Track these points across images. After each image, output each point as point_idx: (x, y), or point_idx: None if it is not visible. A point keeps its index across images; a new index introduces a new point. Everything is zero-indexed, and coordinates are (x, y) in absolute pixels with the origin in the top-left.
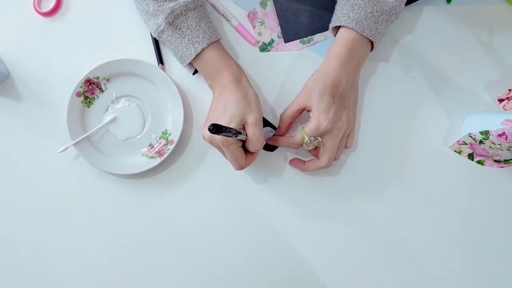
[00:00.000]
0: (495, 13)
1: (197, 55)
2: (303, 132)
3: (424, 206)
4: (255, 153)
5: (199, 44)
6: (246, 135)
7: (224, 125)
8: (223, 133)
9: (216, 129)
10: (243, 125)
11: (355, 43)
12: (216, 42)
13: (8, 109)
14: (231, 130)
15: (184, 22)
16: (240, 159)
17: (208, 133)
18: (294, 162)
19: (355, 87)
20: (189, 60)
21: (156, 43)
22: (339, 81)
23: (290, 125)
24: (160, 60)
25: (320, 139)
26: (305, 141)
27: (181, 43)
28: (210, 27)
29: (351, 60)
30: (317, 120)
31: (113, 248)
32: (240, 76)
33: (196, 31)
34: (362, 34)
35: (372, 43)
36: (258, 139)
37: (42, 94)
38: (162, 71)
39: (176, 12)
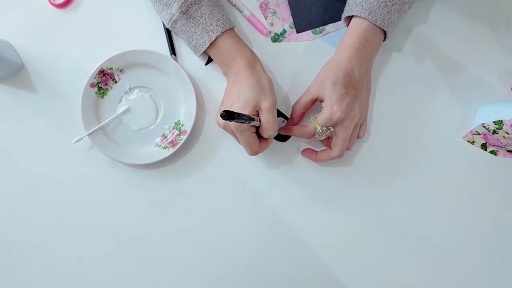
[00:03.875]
0: (509, 2)
1: (211, 43)
2: (316, 122)
3: (436, 196)
4: (269, 139)
5: (213, 32)
6: (260, 121)
7: (237, 111)
8: (235, 120)
9: (228, 115)
10: (257, 111)
11: (368, 32)
12: (230, 30)
13: (23, 100)
14: (243, 116)
15: (197, 11)
16: (253, 145)
17: (221, 120)
18: (306, 152)
19: (368, 77)
20: (203, 49)
21: (168, 33)
22: (351, 71)
23: (302, 115)
24: (173, 51)
25: (332, 129)
26: (317, 131)
27: (195, 32)
28: (223, 15)
29: (364, 50)
30: (330, 110)
31: (126, 237)
32: (254, 62)
33: (210, 19)
34: (375, 24)
35: (385, 33)
36: (271, 125)
37: (56, 85)
38: (174, 61)
39: (190, 1)
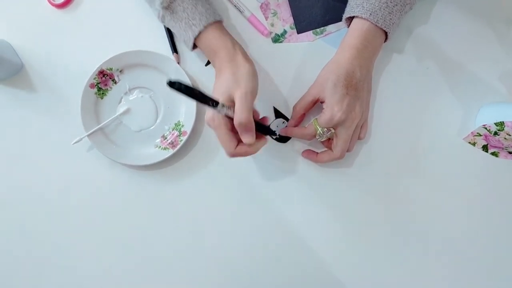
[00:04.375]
0: (510, 3)
1: (196, 38)
2: (317, 123)
3: (437, 198)
4: (251, 145)
5: (196, 27)
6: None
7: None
8: (185, 93)
9: (174, 85)
10: (233, 102)
11: (369, 33)
12: (215, 24)
13: (22, 101)
14: (196, 92)
15: (180, 5)
16: (226, 144)
17: (206, 116)
18: (306, 153)
19: (369, 78)
20: (190, 44)
21: (169, 32)
22: (352, 71)
23: (303, 116)
24: (174, 49)
25: (333, 130)
26: (318, 132)
27: (180, 27)
28: (207, 9)
29: (365, 51)
30: (331, 111)
31: (126, 238)
32: (234, 54)
33: (193, 13)
34: (376, 25)
35: (386, 33)
36: (241, 112)
37: (56, 86)
38: (175, 62)
39: None
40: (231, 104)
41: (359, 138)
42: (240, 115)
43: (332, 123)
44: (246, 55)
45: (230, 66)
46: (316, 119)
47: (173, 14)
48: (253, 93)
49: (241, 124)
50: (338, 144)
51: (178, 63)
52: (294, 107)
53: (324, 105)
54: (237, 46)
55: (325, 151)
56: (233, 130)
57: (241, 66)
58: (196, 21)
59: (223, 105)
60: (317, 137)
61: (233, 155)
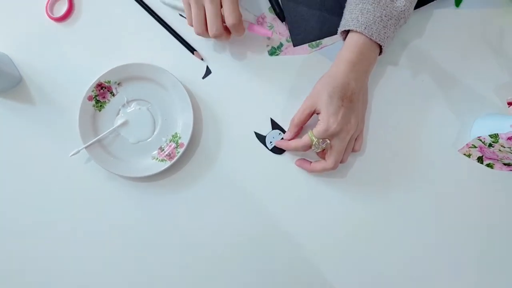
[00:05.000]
0: (504, 17)
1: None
2: (312, 135)
3: (433, 210)
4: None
5: None
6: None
7: None
8: None
9: None
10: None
11: (364, 47)
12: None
13: (21, 113)
14: None
15: None
16: (217, 21)
17: None
18: (300, 162)
19: (365, 91)
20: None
21: (175, 33)
22: (348, 84)
23: (300, 130)
24: (191, 48)
25: (328, 141)
26: (313, 143)
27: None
28: None
29: (360, 64)
30: (326, 122)
31: (123, 250)
32: None
33: None
34: (371, 39)
35: (380, 47)
36: (229, 13)
37: (54, 98)
38: (172, 75)
39: None
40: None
41: (354, 150)
42: (229, 17)
43: (327, 134)
44: None
45: None
46: (312, 130)
47: None
48: None
49: (234, 25)
50: (332, 155)
51: (202, 59)
52: (292, 120)
53: (320, 117)
54: None
55: (319, 161)
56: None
57: None
58: None
59: None
60: (312, 148)
61: (219, 35)
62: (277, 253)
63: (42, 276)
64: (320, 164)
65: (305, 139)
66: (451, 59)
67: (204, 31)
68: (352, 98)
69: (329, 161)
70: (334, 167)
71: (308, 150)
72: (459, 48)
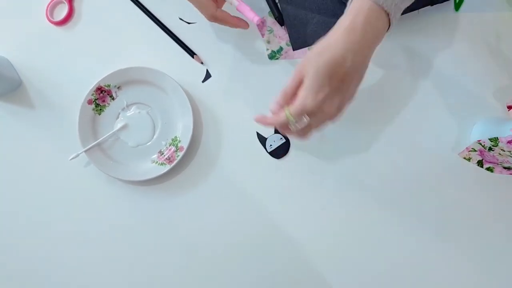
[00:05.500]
0: (503, 21)
1: None
2: (288, 112)
3: (432, 213)
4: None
5: None
6: None
7: None
8: None
9: None
10: None
11: (370, 14)
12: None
13: (21, 116)
14: None
15: None
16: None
17: None
18: (258, 118)
19: (363, 68)
20: None
21: (175, 37)
22: (344, 58)
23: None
24: (192, 52)
25: (306, 120)
26: (290, 120)
27: None
28: None
29: (364, 34)
30: (304, 100)
31: (123, 253)
32: None
33: None
34: (377, 3)
35: (388, 17)
36: None
37: (54, 102)
38: (171, 78)
39: None
40: None
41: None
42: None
43: (301, 113)
44: None
45: None
46: (288, 106)
47: None
48: None
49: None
50: (307, 130)
51: (202, 63)
52: (283, 89)
53: (300, 90)
54: None
55: (293, 104)
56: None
57: None
58: None
59: None
60: (290, 126)
61: (214, 17)
62: (277, 255)
63: (41, 278)
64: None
65: (281, 116)
66: (450, 63)
67: (213, 12)
68: (344, 78)
69: (303, 132)
70: (303, 138)
71: (287, 131)
72: (459, 51)
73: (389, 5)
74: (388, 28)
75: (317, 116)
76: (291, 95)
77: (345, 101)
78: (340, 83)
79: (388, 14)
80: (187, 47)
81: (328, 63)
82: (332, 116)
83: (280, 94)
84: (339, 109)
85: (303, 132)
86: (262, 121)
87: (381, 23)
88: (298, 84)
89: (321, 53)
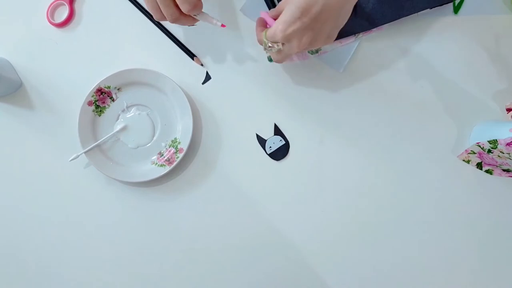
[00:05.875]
0: (502, 23)
1: None
2: (265, 35)
3: (432, 216)
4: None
5: None
6: None
7: None
8: None
9: None
10: None
11: None
12: None
13: (21, 118)
14: None
15: None
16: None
17: None
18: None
19: (337, 10)
20: None
21: (175, 40)
22: None
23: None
24: (192, 54)
25: (279, 46)
26: (264, 42)
27: None
28: None
29: None
30: (275, 28)
31: (122, 255)
32: None
33: None
34: None
35: None
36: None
37: (54, 103)
38: (171, 80)
39: None
40: None
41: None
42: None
43: (272, 39)
44: None
45: None
46: (266, 30)
47: None
48: None
49: (189, 11)
50: (278, 53)
51: (202, 65)
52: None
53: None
54: None
55: (268, 29)
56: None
57: None
58: None
59: None
60: (264, 48)
61: (176, 20)
62: (276, 256)
63: (40, 279)
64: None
65: (259, 35)
66: (449, 66)
67: (161, 18)
68: (315, 17)
69: (275, 55)
70: (277, 61)
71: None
72: (458, 54)
73: None
74: None
75: (289, 45)
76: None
77: (318, 39)
78: (312, 21)
79: None
80: (187, 49)
81: (302, 0)
82: (302, 48)
83: (258, 19)
84: (311, 45)
85: (278, 55)
86: (258, 23)
87: None
88: (277, 15)
89: None
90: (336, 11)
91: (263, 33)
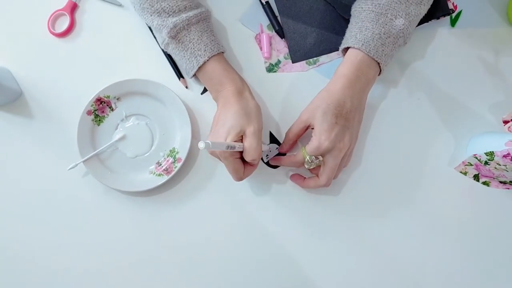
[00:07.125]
0: (499, 36)
1: (199, 68)
2: (305, 151)
3: (429, 227)
4: (254, 165)
5: (201, 57)
6: (243, 146)
7: (223, 136)
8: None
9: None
10: (242, 136)
11: (362, 64)
12: (219, 55)
13: (20, 127)
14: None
15: (186, 36)
16: (238, 171)
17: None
18: (294, 177)
19: (361, 109)
20: (192, 73)
21: (171, 59)
22: (344, 101)
23: (294, 143)
24: (180, 74)
25: (321, 158)
26: (306, 160)
27: (184, 56)
28: (212, 40)
29: (358, 81)
30: (318, 139)
31: (120, 265)
32: (242, 89)
33: (198, 44)
34: (368, 55)
35: (379, 66)
36: (255, 150)
37: (53, 112)
38: (171, 90)
39: (179, 26)
40: (240, 138)
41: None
42: (254, 153)
43: (319, 151)
44: (251, 91)
45: (238, 99)
46: (305, 147)
47: (179, 44)
48: (261, 130)
49: (254, 160)
50: (325, 172)
51: (186, 87)
52: (287, 133)
53: (313, 133)
54: (244, 81)
55: (312, 177)
56: (239, 157)
57: (250, 102)
58: (201, 52)
59: (234, 146)
60: (305, 165)
61: (242, 179)
62: (275, 264)
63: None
64: (313, 181)
65: (298, 155)
66: (446, 78)
67: (241, 178)
68: (347, 116)
69: (322, 178)
70: (327, 184)
71: (301, 167)
72: (455, 67)
73: (379, 56)
74: (380, 73)
75: (333, 154)
76: (297, 137)
77: (354, 135)
78: (346, 121)
79: (379, 65)
80: (176, 68)
81: (333, 104)
82: (345, 150)
83: (287, 138)
84: (351, 142)
85: (328, 177)
86: (278, 161)
87: (372, 71)
88: (304, 129)
89: (325, 97)
90: (360, 105)
91: (302, 150)
